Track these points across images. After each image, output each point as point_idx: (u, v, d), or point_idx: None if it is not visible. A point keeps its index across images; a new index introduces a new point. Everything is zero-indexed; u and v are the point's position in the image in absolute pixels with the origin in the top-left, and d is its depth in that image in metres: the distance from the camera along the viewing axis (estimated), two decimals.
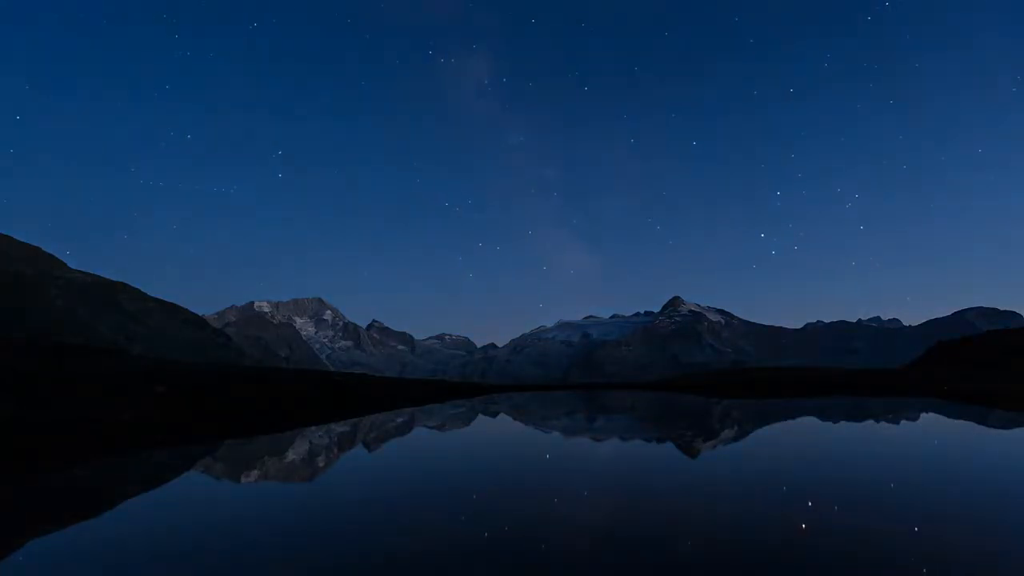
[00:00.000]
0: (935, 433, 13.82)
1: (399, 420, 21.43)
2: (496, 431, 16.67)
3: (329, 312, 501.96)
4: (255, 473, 9.12)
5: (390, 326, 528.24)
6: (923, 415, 19.62)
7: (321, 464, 9.84)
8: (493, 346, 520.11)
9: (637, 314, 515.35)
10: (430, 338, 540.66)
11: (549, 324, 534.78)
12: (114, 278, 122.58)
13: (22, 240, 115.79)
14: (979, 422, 16.52)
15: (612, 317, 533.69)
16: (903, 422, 16.81)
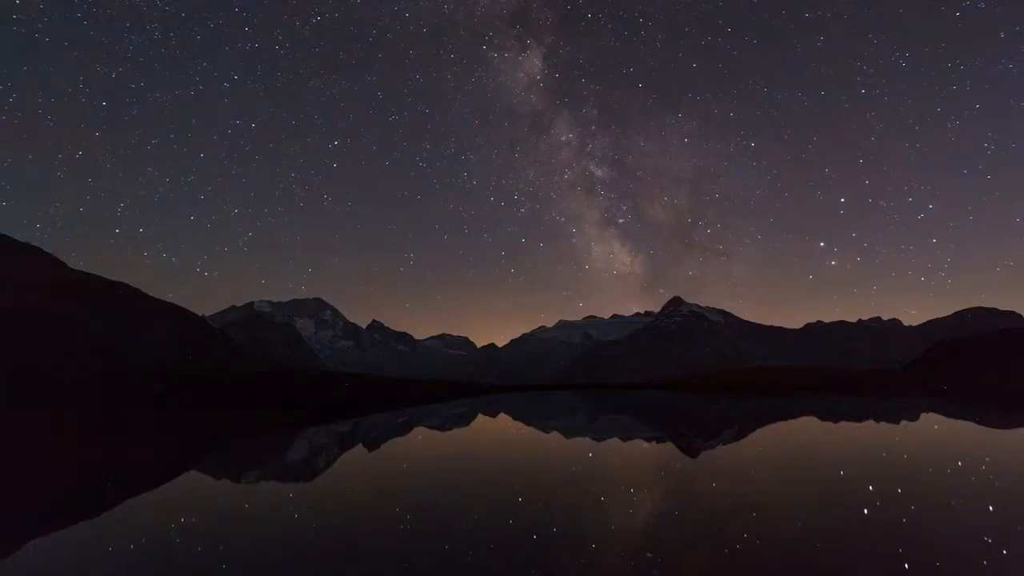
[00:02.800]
0: (935, 433, 13.82)
1: (399, 420, 21.41)
2: (498, 432, 16.66)
3: (329, 312, 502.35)
4: (255, 474, 9.12)
5: (390, 326, 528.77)
6: (923, 415, 19.62)
7: (321, 466, 9.85)
8: (493, 346, 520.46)
9: (637, 314, 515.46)
10: (430, 338, 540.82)
11: (549, 324, 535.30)
12: (113, 278, 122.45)
13: (22, 240, 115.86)
14: (979, 422, 16.51)
15: (612, 317, 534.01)
16: (903, 422, 16.81)
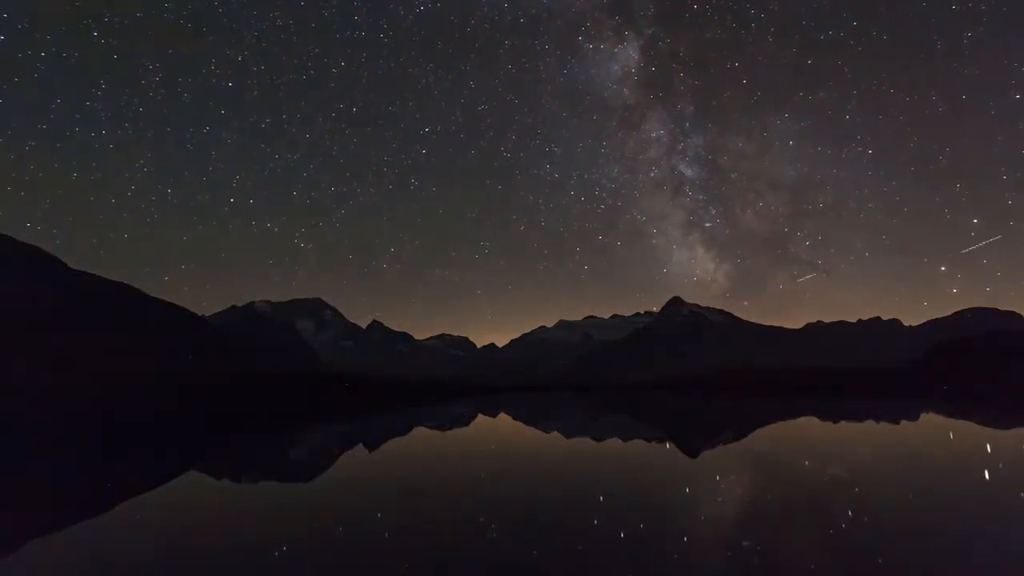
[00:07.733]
0: (935, 434, 13.81)
1: (400, 421, 21.42)
2: (498, 433, 16.67)
3: (329, 312, 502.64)
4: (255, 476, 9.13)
5: (390, 326, 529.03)
6: (923, 415, 19.62)
7: (321, 466, 9.86)
8: (493, 346, 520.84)
9: (637, 314, 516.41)
10: (430, 338, 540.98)
11: (549, 324, 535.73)
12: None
13: (23, 240, 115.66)
14: (978, 422, 16.51)
15: (612, 317, 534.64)
16: (903, 422, 16.82)
